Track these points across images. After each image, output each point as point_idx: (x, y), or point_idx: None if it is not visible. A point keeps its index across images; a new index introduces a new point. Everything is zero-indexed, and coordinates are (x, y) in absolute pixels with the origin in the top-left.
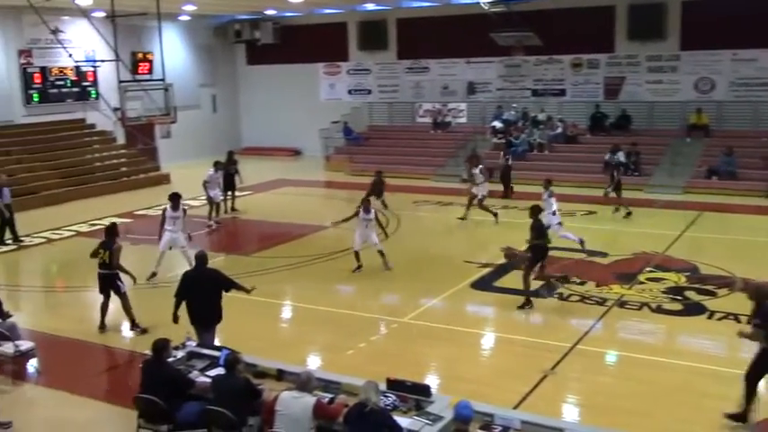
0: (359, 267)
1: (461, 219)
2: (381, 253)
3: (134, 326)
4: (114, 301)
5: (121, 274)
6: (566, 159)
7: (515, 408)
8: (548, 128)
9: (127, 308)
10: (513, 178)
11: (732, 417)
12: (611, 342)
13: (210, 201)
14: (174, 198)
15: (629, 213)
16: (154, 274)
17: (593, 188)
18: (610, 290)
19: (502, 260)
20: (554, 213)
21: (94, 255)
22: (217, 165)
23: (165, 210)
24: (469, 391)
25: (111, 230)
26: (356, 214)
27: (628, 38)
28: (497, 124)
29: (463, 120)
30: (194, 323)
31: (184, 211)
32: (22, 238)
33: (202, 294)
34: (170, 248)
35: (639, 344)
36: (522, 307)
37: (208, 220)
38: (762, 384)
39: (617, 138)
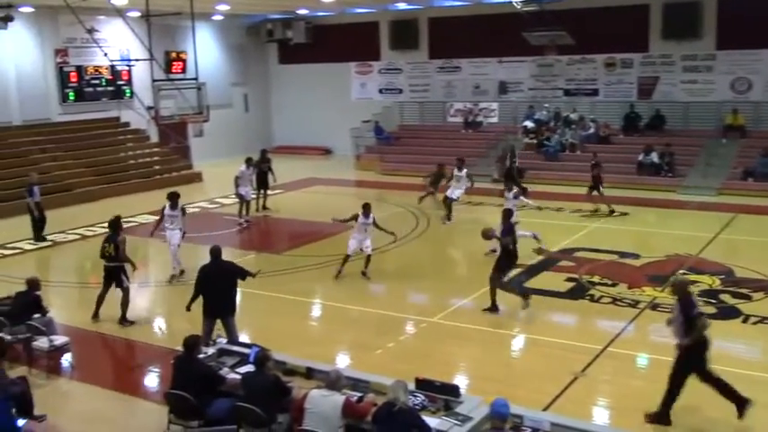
0: (340, 273)
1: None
2: (369, 259)
3: (124, 320)
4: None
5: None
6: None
7: (545, 409)
8: (580, 128)
9: (125, 302)
10: (524, 178)
11: (650, 417)
12: (643, 345)
13: (241, 198)
14: (173, 197)
15: (612, 212)
16: (182, 272)
17: (626, 189)
18: (642, 292)
19: (532, 261)
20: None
21: (102, 255)
22: (248, 161)
23: (163, 208)
24: (498, 391)
25: (115, 224)
26: (355, 218)
27: (662, 37)
28: (529, 124)
29: (495, 119)
30: (211, 316)
31: (183, 210)
32: (52, 237)
33: (219, 287)
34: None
35: (672, 347)
36: (487, 309)
37: (238, 217)
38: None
39: (650, 138)
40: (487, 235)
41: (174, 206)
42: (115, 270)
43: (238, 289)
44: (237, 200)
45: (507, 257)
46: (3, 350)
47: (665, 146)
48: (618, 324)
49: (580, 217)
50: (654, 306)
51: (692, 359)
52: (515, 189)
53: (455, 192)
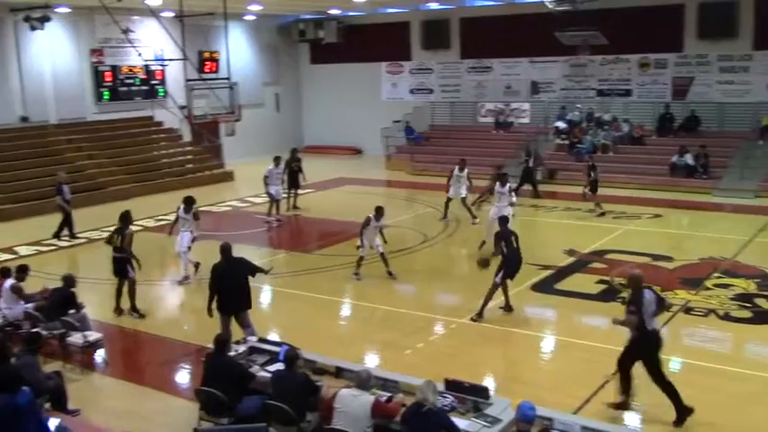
0: (358, 275)
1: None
2: (384, 257)
3: (134, 310)
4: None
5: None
6: (631, 161)
7: (575, 413)
8: (613, 129)
9: (132, 292)
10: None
11: (613, 406)
12: (676, 349)
13: (271, 197)
14: (188, 201)
15: (602, 214)
16: (197, 265)
17: (660, 191)
18: (675, 295)
19: (563, 263)
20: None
21: (109, 241)
22: (277, 160)
23: (178, 209)
24: (528, 394)
25: (125, 218)
26: (367, 222)
27: (698, 37)
28: (561, 125)
29: (526, 120)
30: (226, 312)
31: (195, 214)
32: (86, 234)
33: (232, 284)
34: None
35: (705, 351)
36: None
37: (267, 216)
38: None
39: (685, 140)
40: (484, 262)
41: (187, 210)
42: (121, 261)
43: (267, 287)
44: (268, 199)
45: (510, 264)
46: (39, 345)
47: (699, 147)
48: None
49: (612, 218)
50: (687, 309)
51: (636, 351)
52: (508, 184)
53: (461, 190)
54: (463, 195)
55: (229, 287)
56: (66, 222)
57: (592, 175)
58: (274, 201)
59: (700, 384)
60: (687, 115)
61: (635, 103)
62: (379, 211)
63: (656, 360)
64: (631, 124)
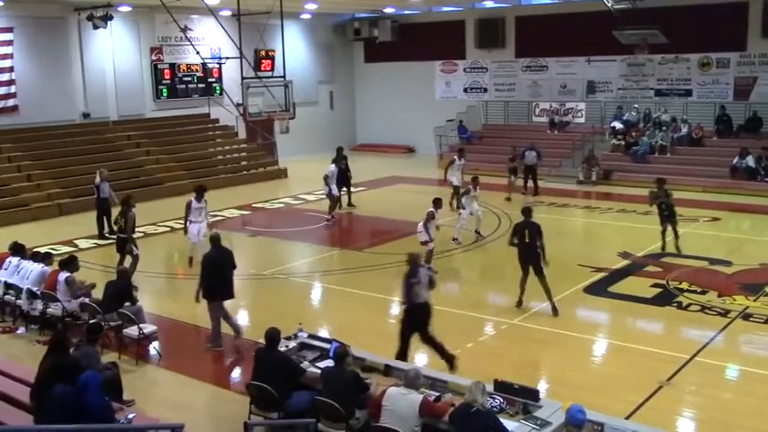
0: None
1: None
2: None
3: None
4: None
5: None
6: (688, 162)
7: (627, 418)
8: (671, 129)
9: (132, 267)
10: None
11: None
12: (733, 356)
13: (331, 196)
14: (199, 190)
15: (508, 199)
16: (191, 259)
17: (719, 194)
18: (733, 301)
19: (617, 265)
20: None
21: (115, 222)
22: (336, 160)
23: (189, 201)
24: (579, 398)
25: (127, 201)
26: (432, 216)
27: (762, 36)
28: (617, 125)
29: (581, 120)
30: (213, 299)
31: (205, 202)
32: (143, 229)
33: (220, 272)
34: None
35: (766, 359)
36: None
37: (327, 214)
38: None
39: (746, 141)
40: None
41: (199, 199)
42: (125, 240)
43: (318, 284)
44: (328, 198)
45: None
46: (99, 335)
47: (762, 149)
48: (706, 333)
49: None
50: (746, 316)
51: (409, 321)
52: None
53: (454, 177)
54: (457, 184)
55: (216, 275)
56: (103, 218)
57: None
58: (334, 199)
59: (761, 393)
60: (749, 116)
61: (694, 103)
62: (438, 204)
63: (427, 326)
64: (690, 125)
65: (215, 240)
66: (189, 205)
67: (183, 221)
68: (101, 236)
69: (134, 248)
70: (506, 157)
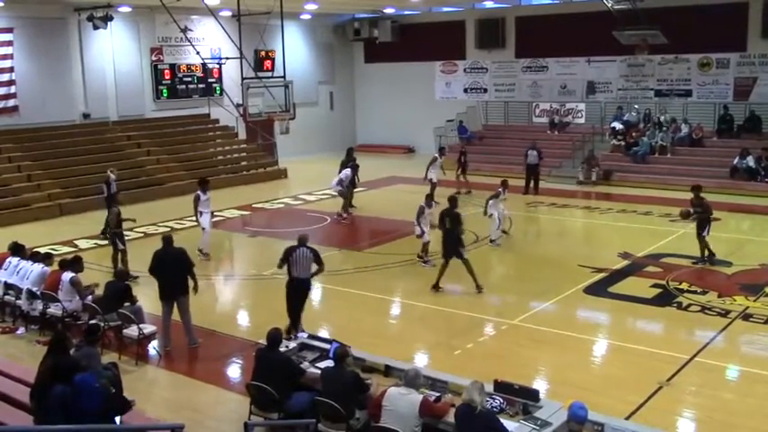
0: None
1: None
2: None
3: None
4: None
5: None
6: (689, 163)
7: (627, 418)
8: (672, 130)
9: (116, 258)
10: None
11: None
12: (734, 356)
13: (343, 194)
14: (203, 183)
15: (468, 192)
16: (205, 254)
17: (719, 194)
18: (733, 301)
19: (617, 265)
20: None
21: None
22: (353, 168)
23: (197, 195)
24: (579, 398)
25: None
26: (421, 212)
27: (762, 36)
28: (617, 125)
29: (581, 120)
30: (166, 298)
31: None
32: (142, 229)
33: (171, 271)
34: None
35: (766, 360)
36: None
37: (343, 211)
38: None
39: (746, 141)
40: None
41: (204, 191)
42: (112, 235)
43: (318, 285)
44: (341, 196)
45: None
46: (98, 336)
47: (762, 150)
48: (707, 333)
49: (669, 221)
50: (746, 316)
51: (292, 293)
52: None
53: (433, 175)
54: (435, 181)
55: (167, 274)
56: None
57: (462, 159)
58: (346, 198)
59: (761, 394)
60: (747, 116)
61: (695, 103)
62: (429, 199)
63: (304, 299)
64: (690, 125)
65: (165, 240)
66: (197, 198)
67: (193, 215)
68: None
69: (119, 243)
70: (506, 157)
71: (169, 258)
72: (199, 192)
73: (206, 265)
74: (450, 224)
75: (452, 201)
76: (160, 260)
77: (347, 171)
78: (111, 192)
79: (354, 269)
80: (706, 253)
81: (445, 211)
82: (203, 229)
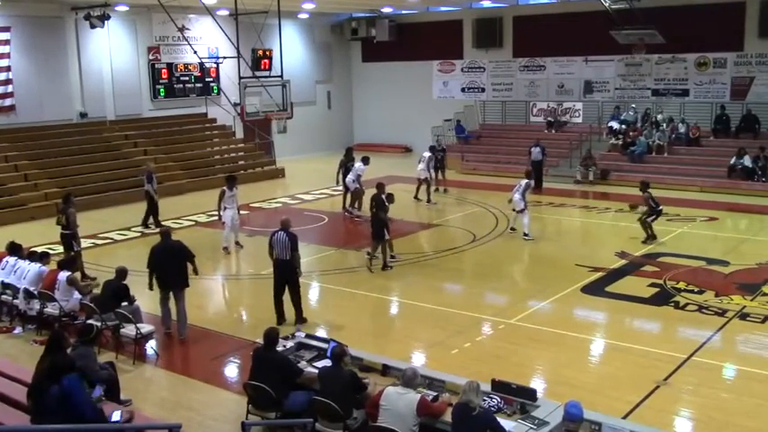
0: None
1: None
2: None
3: (84, 276)
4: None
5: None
6: (686, 162)
7: (624, 417)
8: (668, 129)
9: (79, 264)
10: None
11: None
12: (731, 355)
13: (356, 192)
14: (231, 179)
15: (446, 190)
16: (227, 249)
17: (716, 194)
18: (730, 300)
19: (615, 265)
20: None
21: (58, 222)
22: (365, 159)
23: (223, 191)
24: (576, 397)
25: (67, 199)
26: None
27: (759, 35)
28: (615, 125)
29: (579, 120)
30: (164, 288)
31: (236, 189)
32: (139, 229)
33: (168, 263)
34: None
35: (763, 359)
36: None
37: (358, 210)
38: None
39: (743, 141)
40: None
41: (231, 188)
42: (67, 237)
43: (315, 284)
44: (353, 194)
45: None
46: (92, 336)
47: (759, 149)
48: (704, 333)
49: (666, 221)
50: (743, 315)
51: (279, 277)
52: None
53: (423, 171)
54: (424, 177)
55: (164, 266)
56: (153, 210)
57: (439, 156)
58: (359, 194)
59: (758, 393)
60: (744, 115)
61: (692, 103)
62: (385, 193)
63: (294, 287)
64: (688, 125)
65: (163, 234)
66: (222, 194)
67: (217, 209)
68: (145, 225)
69: (75, 245)
70: (505, 156)
71: (169, 251)
72: (225, 188)
73: (204, 264)
74: (375, 207)
75: (379, 187)
76: (159, 254)
77: (361, 165)
78: (154, 185)
79: (351, 268)
80: (650, 232)
81: (373, 196)
82: (223, 223)
